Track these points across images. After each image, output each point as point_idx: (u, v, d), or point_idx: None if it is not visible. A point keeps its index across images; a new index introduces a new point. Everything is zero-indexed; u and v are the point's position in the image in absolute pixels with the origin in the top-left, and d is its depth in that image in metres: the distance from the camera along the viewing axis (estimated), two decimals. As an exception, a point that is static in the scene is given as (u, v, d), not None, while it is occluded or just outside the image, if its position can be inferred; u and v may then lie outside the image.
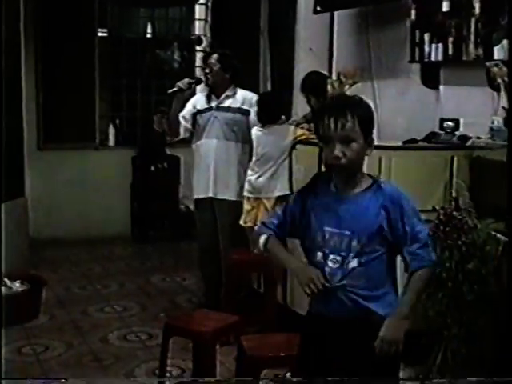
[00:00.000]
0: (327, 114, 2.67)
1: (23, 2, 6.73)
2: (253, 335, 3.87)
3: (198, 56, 8.97)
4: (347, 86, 5.15)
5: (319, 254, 2.75)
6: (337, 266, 2.74)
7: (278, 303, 5.32)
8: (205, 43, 8.86)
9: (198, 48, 8.96)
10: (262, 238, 2.89)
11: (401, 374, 4.55)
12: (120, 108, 8.89)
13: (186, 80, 5.67)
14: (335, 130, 2.63)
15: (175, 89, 5.57)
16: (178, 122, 5.68)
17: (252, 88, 6.14)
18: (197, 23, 8.99)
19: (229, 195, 5.55)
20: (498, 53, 5.22)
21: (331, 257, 2.74)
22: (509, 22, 4.91)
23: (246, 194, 5.31)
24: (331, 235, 2.75)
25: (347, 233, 2.73)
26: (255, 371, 3.48)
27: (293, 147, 5.19)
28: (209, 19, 8.81)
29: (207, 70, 5.81)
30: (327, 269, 2.74)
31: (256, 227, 3.03)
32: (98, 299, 6.31)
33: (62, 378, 4.66)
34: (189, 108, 5.71)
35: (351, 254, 2.73)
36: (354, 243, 2.74)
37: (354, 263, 2.74)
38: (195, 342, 4.05)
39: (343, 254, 2.74)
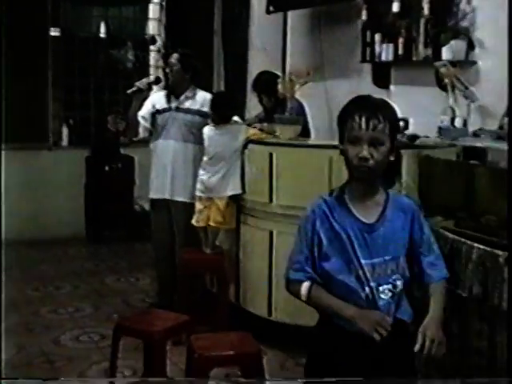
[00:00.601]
0: (358, 112, 2.55)
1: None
2: (203, 334, 3.87)
3: (152, 56, 8.95)
4: (298, 86, 5.18)
5: (367, 289, 2.57)
6: (390, 295, 2.61)
7: (230, 303, 5.34)
8: (159, 43, 8.84)
9: (151, 48, 8.93)
10: (304, 288, 2.62)
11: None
12: (73, 108, 8.81)
13: (145, 80, 5.67)
14: (366, 130, 2.51)
15: (134, 89, 5.56)
16: (137, 122, 5.68)
17: (206, 88, 6.14)
18: (151, 23, 8.95)
19: (185, 197, 5.55)
20: (446, 53, 5.33)
21: (382, 288, 2.60)
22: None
23: (198, 193, 5.31)
24: (373, 266, 2.59)
25: (387, 258, 2.61)
26: (204, 370, 3.49)
27: (244, 147, 5.21)
28: (163, 19, 8.79)
29: (167, 70, 5.82)
30: (380, 302, 2.59)
31: (290, 274, 2.66)
32: (51, 300, 6.24)
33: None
34: (148, 108, 5.70)
35: (397, 278, 2.63)
36: (395, 265, 2.63)
37: (400, 285, 2.64)
38: (145, 342, 4.04)
39: (393, 281, 2.62)
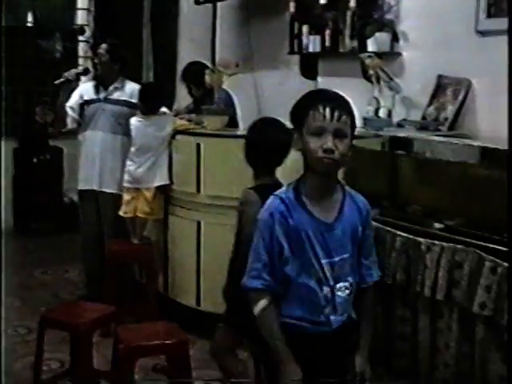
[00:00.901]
0: (322, 103, 2.47)
1: None
2: (129, 325, 3.88)
3: (81, 46, 8.84)
4: (225, 77, 5.20)
5: (325, 288, 2.54)
6: (347, 292, 2.59)
7: (159, 293, 5.34)
8: (88, 33, 8.74)
9: (80, 38, 8.82)
10: (259, 308, 2.52)
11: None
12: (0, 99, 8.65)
13: (73, 71, 5.62)
14: (331, 121, 2.43)
15: (62, 80, 5.51)
16: (65, 113, 5.62)
17: (135, 78, 6.11)
18: (79, 13, 8.85)
19: (113, 188, 5.54)
20: (372, 45, 5.40)
21: (339, 286, 2.57)
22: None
23: (125, 184, 5.29)
24: (332, 265, 2.55)
25: (346, 256, 2.58)
26: (129, 360, 3.49)
27: (172, 137, 5.20)
28: (92, 9, 8.70)
29: (96, 60, 5.77)
30: (338, 299, 2.57)
31: (247, 282, 2.54)
32: (-23, 294, 6.15)
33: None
34: (76, 98, 5.65)
35: (352, 275, 2.62)
36: (351, 262, 2.61)
37: (354, 283, 2.63)
38: (71, 334, 4.02)
39: (349, 278, 2.60)
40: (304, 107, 2.53)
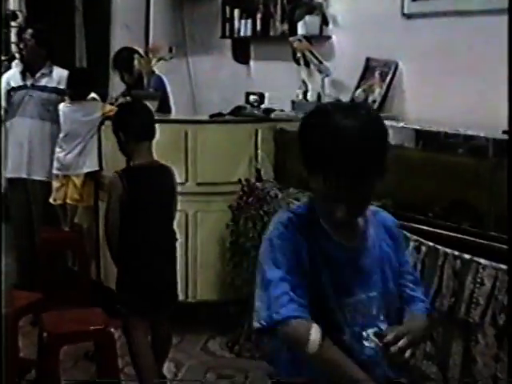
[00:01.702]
0: (341, 144, 1.84)
1: None
2: (54, 312, 3.83)
3: (14, 32, 8.68)
4: (154, 61, 5.17)
5: (345, 337, 1.95)
6: (374, 343, 1.98)
7: (92, 280, 5.30)
8: (20, 19, 8.58)
9: (13, 24, 8.66)
10: (315, 340, 1.82)
11: (211, 343, 4.73)
12: None
13: None
14: (350, 191, 1.87)
15: None
16: None
17: (68, 64, 6.04)
18: (11, -2, 8.69)
19: (42, 175, 5.47)
20: (301, 28, 5.42)
21: (365, 334, 1.99)
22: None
23: (54, 171, 5.24)
24: (355, 304, 1.98)
25: (373, 293, 2.02)
26: (54, 348, 3.47)
27: (101, 123, 5.16)
28: (24, -6, 8.54)
29: (21, 46, 5.68)
30: (367, 352, 1.98)
31: (277, 315, 1.84)
32: None
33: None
34: (2, 85, 5.55)
35: (384, 319, 2.03)
36: (382, 301, 2.04)
37: (384, 327, 2.01)
38: (-3, 322, 3.97)
39: (380, 324, 2.01)
40: (314, 152, 1.93)
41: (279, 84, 5.64)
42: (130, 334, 3.76)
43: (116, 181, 3.66)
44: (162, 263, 3.82)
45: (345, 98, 5.20)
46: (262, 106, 5.16)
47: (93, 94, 5.39)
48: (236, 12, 6.15)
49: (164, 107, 5.54)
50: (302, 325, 1.85)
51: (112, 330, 3.55)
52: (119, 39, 7.19)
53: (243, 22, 6.06)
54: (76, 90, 5.25)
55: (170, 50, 6.23)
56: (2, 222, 4.70)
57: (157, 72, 5.66)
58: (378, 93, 4.93)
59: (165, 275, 3.85)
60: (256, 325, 1.92)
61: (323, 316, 1.91)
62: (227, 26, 6.27)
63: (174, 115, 5.81)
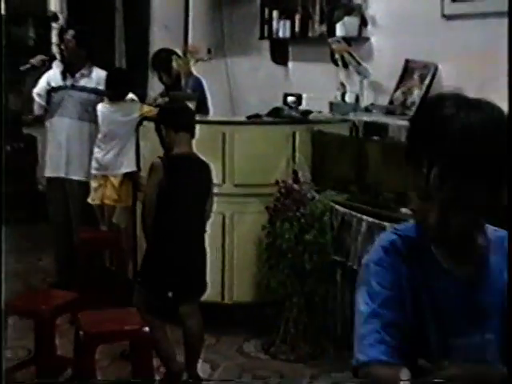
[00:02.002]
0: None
1: None
2: (90, 311, 3.85)
3: (54, 33, 8.76)
4: (192, 62, 5.18)
5: None
6: None
7: (129, 280, 5.32)
8: (61, 20, 8.66)
9: (54, 25, 8.74)
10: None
11: (246, 345, 4.73)
12: (-28, 87, 8.60)
13: (39, 57, 5.59)
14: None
15: (28, 66, 5.48)
16: (32, 100, 5.59)
17: (107, 65, 6.08)
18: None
19: (80, 175, 5.52)
20: (340, 30, 5.39)
21: None
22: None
23: (93, 171, 5.29)
24: (467, 347, 1.65)
25: (490, 335, 1.67)
26: (90, 347, 3.49)
27: (139, 124, 5.18)
28: (64, -5, 8.63)
29: (62, 47, 5.74)
30: None
31: (359, 353, 1.60)
32: None
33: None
34: (43, 85, 5.63)
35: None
36: (496, 345, 1.67)
37: None
38: (35, 321, 4.01)
39: None
40: (431, 143, 1.58)
41: (317, 85, 5.62)
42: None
43: (158, 165, 3.90)
44: (192, 250, 4.03)
45: (383, 100, 5.17)
46: (300, 108, 5.14)
47: (131, 95, 5.42)
48: (275, 13, 6.13)
49: (202, 108, 5.55)
50: (389, 370, 1.57)
51: (147, 329, 3.56)
52: (158, 40, 7.21)
53: (282, 23, 6.03)
54: (114, 91, 5.28)
55: (209, 51, 6.25)
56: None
57: (195, 73, 5.67)
58: (416, 95, 4.88)
59: (195, 262, 4.05)
60: (352, 362, 1.65)
61: (423, 358, 1.60)
62: (266, 27, 6.25)
63: (211, 116, 5.81)
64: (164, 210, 3.90)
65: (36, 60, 5.48)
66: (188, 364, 4.07)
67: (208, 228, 4.82)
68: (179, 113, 4.17)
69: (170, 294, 3.93)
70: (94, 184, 5.29)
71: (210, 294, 4.92)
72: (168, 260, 3.95)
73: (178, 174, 3.94)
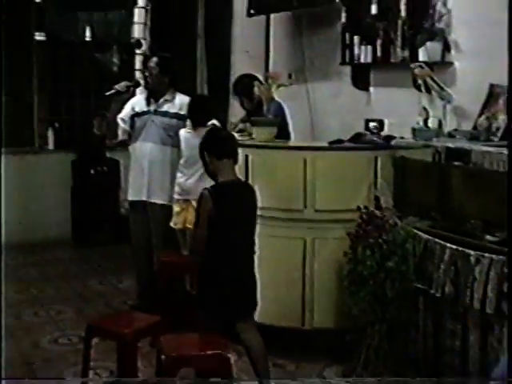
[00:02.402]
0: None
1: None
2: (173, 335, 3.88)
3: (138, 59, 8.94)
4: (274, 88, 5.20)
5: None
6: None
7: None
8: (144, 46, 8.84)
9: (137, 51, 8.92)
10: None
11: (327, 372, 4.69)
12: (59, 112, 8.83)
13: (124, 83, 5.69)
14: None
15: (112, 91, 5.59)
16: (117, 124, 5.72)
17: (189, 91, 6.17)
18: (136, 26, 8.94)
19: (162, 199, 5.59)
20: (423, 55, 5.35)
21: None
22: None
23: (175, 196, 5.35)
24: None
25: None
26: (172, 370, 3.51)
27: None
28: (148, 22, 8.80)
29: (147, 73, 5.85)
30: None
31: None
32: (33, 303, 6.27)
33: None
34: (127, 110, 5.74)
35: None
36: None
37: None
38: (118, 343, 4.06)
39: None
40: None
41: (399, 111, 5.59)
42: None
43: (206, 196, 4.03)
44: (244, 271, 4.19)
45: (467, 125, 5.11)
46: (382, 133, 5.12)
47: (213, 121, 5.48)
48: (356, 38, 6.13)
49: (283, 133, 5.56)
50: None
51: (229, 355, 3.57)
52: (239, 65, 7.30)
53: (363, 48, 6.03)
54: (196, 117, 5.35)
55: (290, 77, 6.29)
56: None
57: (276, 98, 5.70)
58: (502, 120, 4.81)
59: (247, 282, 4.21)
60: None
61: None
62: (347, 52, 6.25)
63: (292, 141, 5.82)
64: (215, 237, 4.06)
65: (121, 86, 5.59)
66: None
67: (289, 253, 4.85)
68: (222, 140, 4.28)
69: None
70: (176, 208, 5.35)
71: (289, 319, 4.95)
72: (223, 282, 4.08)
73: (226, 202, 4.09)
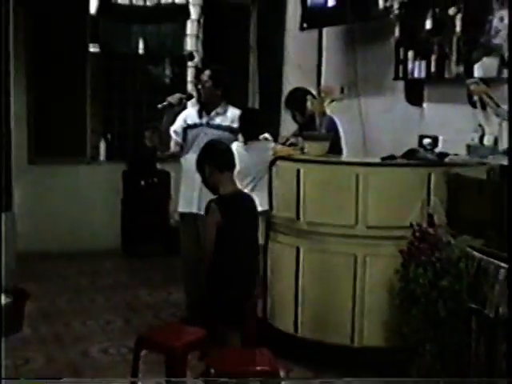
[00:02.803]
0: None
1: (13, 17, 6.77)
2: (221, 349, 3.88)
3: (190, 72, 9.01)
4: (326, 103, 5.17)
5: None
6: None
7: (258, 318, 5.33)
8: (196, 59, 8.90)
9: (189, 64, 8.99)
10: None
11: (377, 391, 4.62)
12: (111, 123, 8.92)
13: (177, 95, 5.71)
14: None
15: (165, 104, 5.62)
16: (169, 137, 5.74)
17: (241, 103, 6.18)
18: (188, 39, 9.02)
19: None
20: (478, 70, 5.27)
21: None
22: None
23: (225, 208, 5.34)
24: None
25: None
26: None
27: (273, 163, 5.20)
28: (200, 35, 8.86)
29: (199, 86, 5.87)
30: None
31: None
32: (83, 313, 6.32)
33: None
34: (180, 122, 5.77)
35: None
36: None
37: None
38: (166, 356, 4.06)
39: None
40: None
41: (454, 127, 5.51)
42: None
43: (214, 208, 4.26)
44: (249, 277, 4.47)
45: (524, 143, 5.01)
46: (436, 150, 5.05)
47: (265, 134, 5.47)
48: (410, 53, 6.06)
49: (335, 148, 5.53)
50: None
51: (281, 372, 3.55)
52: (291, 79, 7.30)
53: (417, 63, 5.96)
54: (248, 130, 5.35)
55: (342, 91, 6.25)
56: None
57: (328, 113, 5.67)
58: (560, 138, 4.70)
59: (252, 282, 4.52)
60: None
61: None
62: (401, 67, 6.19)
63: (345, 156, 5.79)
64: (223, 246, 4.27)
65: (174, 98, 5.61)
66: None
67: (340, 268, 4.82)
68: (223, 153, 4.47)
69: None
70: (225, 221, 5.34)
71: (338, 336, 4.90)
72: (233, 286, 4.31)
73: (232, 213, 4.30)
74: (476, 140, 5.14)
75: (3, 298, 5.85)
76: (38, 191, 8.24)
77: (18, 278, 6.71)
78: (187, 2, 8.88)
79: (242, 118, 5.44)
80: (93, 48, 8.56)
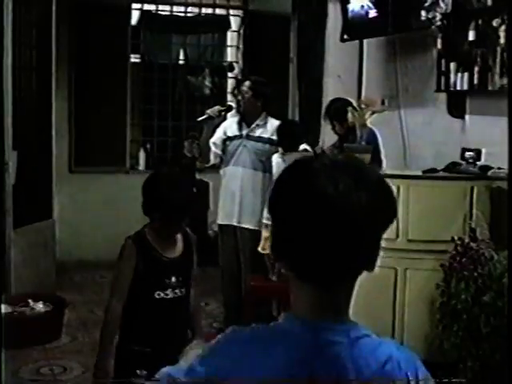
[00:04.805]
0: None
1: (56, 26, 6.85)
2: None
3: (230, 82, 9.03)
4: (367, 115, 5.13)
5: None
6: None
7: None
8: (236, 70, 8.92)
9: (229, 75, 9.01)
10: None
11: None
12: (151, 133, 8.96)
13: (216, 108, 5.72)
14: None
15: (205, 116, 5.63)
16: (209, 148, 5.74)
17: (281, 115, 6.16)
18: (229, 50, 9.05)
19: (252, 224, 5.58)
20: (522, 83, 5.18)
21: None
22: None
23: (264, 221, 5.32)
24: None
25: None
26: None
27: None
28: (240, 46, 8.88)
29: (239, 97, 5.87)
30: None
31: None
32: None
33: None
34: (219, 134, 5.77)
35: None
36: None
37: None
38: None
39: None
40: None
41: (497, 140, 5.40)
42: None
43: None
44: None
45: None
46: (479, 163, 4.98)
47: (305, 146, 5.44)
48: (452, 65, 5.99)
49: (375, 161, 5.48)
50: None
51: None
52: (331, 90, 7.24)
53: (459, 75, 5.89)
54: (286, 142, 5.33)
55: (383, 103, 6.20)
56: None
57: (369, 124, 5.62)
58: None
59: None
60: None
61: None
62: (442, 78, 6.12)
63: (385, 169, 5.73)
64: None
65: (213, 111, 5.62)
66: None
67: (380, 282, 4.76)
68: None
69: None
70: (265, 233, 5.31)
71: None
72: None
73: None
74: (519, 153, 5.06)
75: (41, 305, 5.91)
76: (78, 200, 8.29)
77: (57, 286, 6.78)
78: (228, 13, 8.92)
79: (280, 130, 5.43)
80: (134, 58, 8.62)
